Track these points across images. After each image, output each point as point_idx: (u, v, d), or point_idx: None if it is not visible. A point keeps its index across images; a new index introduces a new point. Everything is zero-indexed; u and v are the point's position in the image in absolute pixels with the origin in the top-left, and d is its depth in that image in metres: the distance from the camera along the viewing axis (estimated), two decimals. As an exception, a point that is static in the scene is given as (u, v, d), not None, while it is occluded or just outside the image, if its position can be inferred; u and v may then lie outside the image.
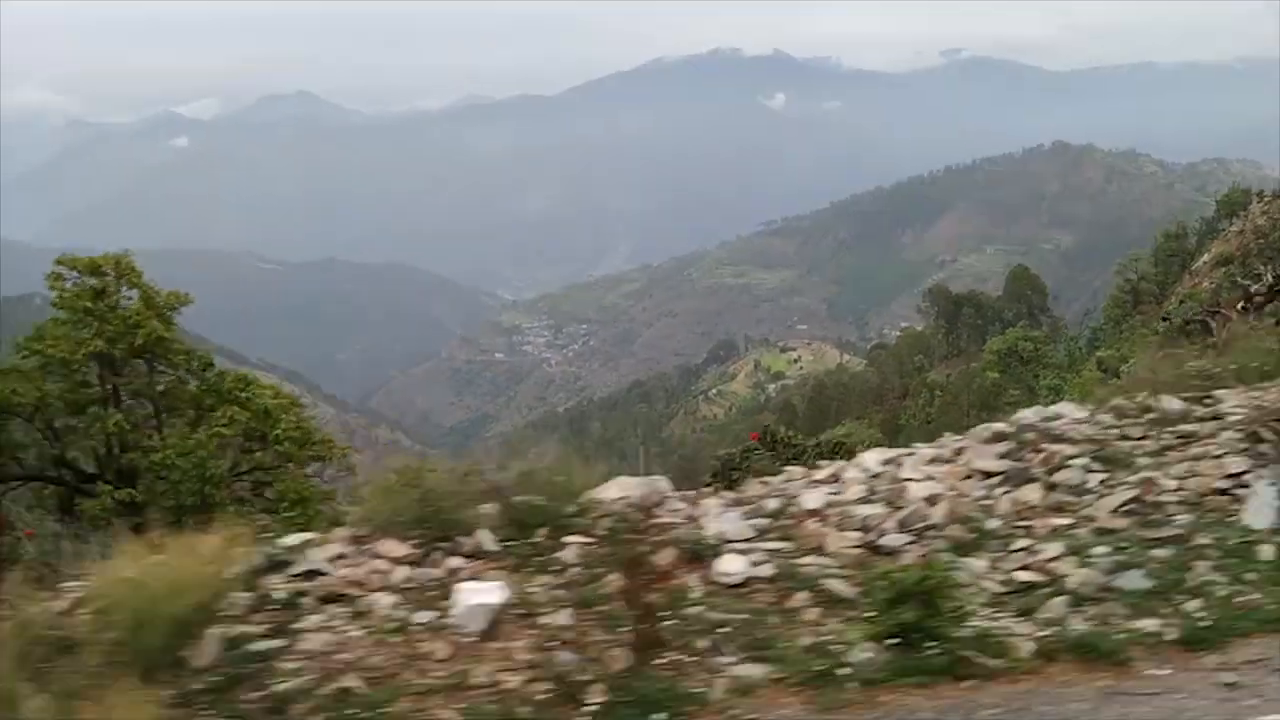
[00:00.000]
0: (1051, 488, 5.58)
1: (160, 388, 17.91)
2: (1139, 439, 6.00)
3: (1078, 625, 4.49)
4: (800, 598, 4.67)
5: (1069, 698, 4.07)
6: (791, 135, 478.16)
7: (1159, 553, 5.00)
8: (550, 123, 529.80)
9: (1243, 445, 5.73)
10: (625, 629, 4.20)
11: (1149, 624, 4.52)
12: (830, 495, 5.63)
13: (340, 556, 4.78)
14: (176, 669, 3.95)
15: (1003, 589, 4.78)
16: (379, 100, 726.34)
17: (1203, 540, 5.09)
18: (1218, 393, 6.41)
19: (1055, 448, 5.88)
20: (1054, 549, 5.04)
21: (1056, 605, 4.62)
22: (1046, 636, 4.39)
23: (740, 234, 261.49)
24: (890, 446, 6.54)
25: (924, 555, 4.98)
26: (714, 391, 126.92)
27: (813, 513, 5.45)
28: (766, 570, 4.86)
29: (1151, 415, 6.18)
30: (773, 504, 5.57)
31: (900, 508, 5.40)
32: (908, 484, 5.61)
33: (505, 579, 4.54)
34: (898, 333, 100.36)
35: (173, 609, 3.97)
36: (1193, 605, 4.63)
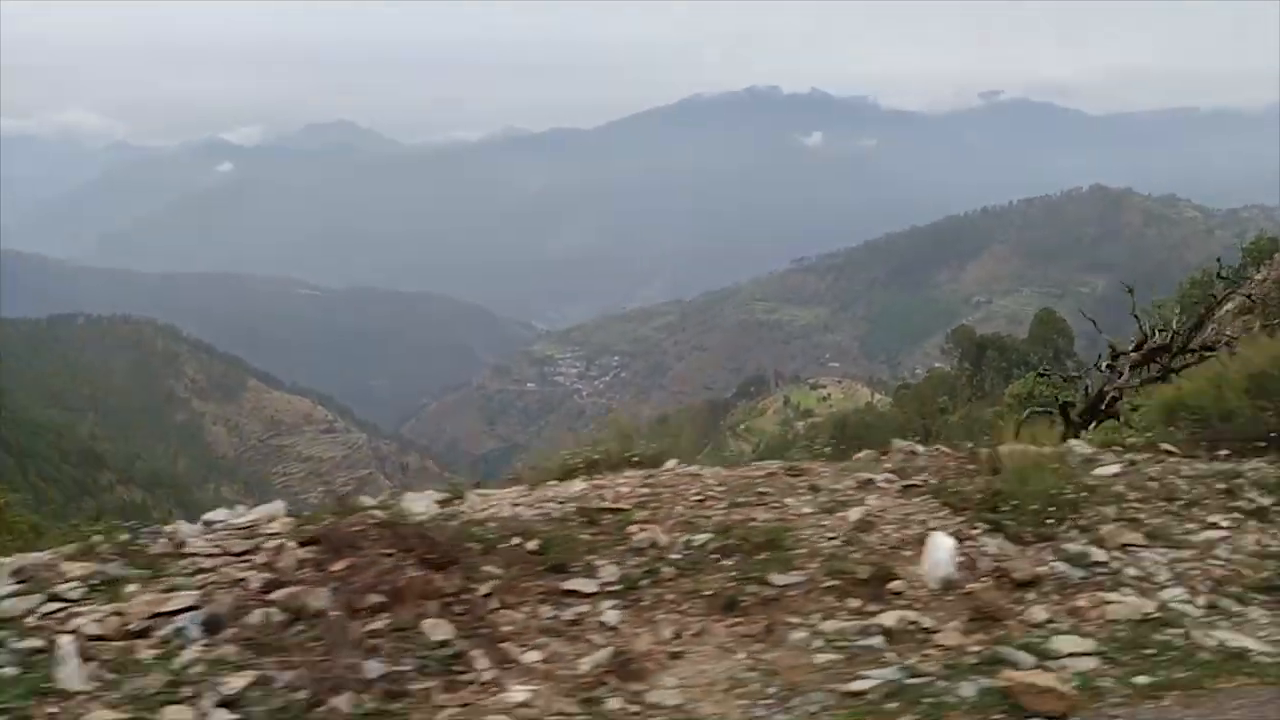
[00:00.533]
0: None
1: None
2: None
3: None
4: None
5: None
6: (827, 173, 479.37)
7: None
8: (587, 157, 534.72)
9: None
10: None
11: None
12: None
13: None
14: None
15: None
16: (418, 131, 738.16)
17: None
18: None
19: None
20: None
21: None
22: None
23: (774, 270, 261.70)
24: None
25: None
26: (742, 427, 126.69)
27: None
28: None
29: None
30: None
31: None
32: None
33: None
34: (928, 373, 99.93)
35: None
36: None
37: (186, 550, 4.16)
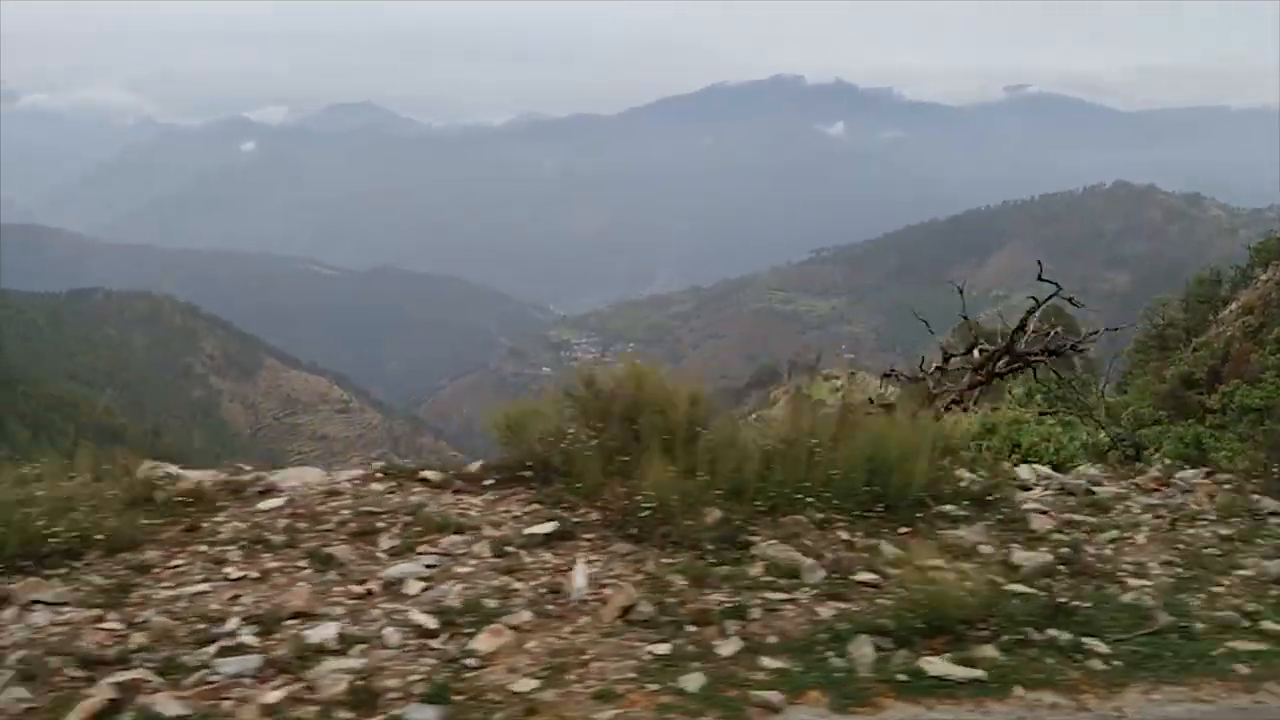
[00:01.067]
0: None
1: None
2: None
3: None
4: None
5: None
6: (849, 164, 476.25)
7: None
8: (608, 142, 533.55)
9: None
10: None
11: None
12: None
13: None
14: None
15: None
16: (441, 113, 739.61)
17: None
18: None
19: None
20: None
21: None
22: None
23: (792, 260, 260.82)
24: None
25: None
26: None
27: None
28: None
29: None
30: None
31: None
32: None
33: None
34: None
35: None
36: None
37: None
